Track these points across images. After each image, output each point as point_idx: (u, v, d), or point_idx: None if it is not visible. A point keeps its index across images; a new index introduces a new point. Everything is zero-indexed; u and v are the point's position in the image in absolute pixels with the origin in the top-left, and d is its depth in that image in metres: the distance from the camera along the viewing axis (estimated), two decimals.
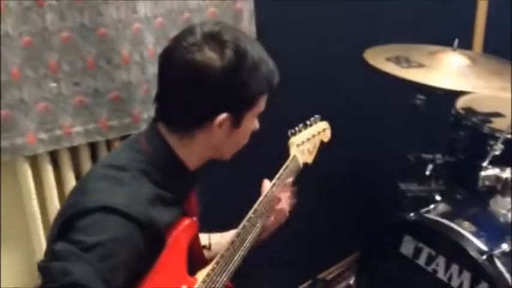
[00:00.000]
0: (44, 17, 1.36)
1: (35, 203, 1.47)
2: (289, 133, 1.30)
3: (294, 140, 1.30)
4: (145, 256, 0.98)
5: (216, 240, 1.25)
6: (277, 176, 1.23)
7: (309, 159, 1.35)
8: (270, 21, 1.82)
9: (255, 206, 1.17)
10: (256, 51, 1.04)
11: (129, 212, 0.94)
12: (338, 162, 2.10)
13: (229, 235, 1.22)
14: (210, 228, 1.29)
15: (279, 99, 1.89)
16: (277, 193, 1.22)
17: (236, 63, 0.99)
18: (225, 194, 1.74)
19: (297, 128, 1.31)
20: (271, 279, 2.05)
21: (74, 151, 1.52)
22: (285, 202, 1.25)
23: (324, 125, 1.41)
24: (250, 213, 1.16)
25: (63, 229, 0.95)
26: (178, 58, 1.01)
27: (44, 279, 0.92)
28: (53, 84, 1.41)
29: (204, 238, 1.25)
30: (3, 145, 1.37)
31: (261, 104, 1.08)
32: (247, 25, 1.75)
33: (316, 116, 1.38)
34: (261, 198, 1.18)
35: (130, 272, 0.95)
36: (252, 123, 1.10)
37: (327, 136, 1.42)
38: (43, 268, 0.93)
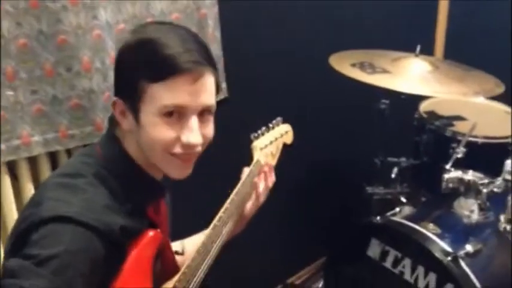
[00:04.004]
0: None
1: None
2: (252, 137, 1.27)
3: (257, 144, 1.27)
4: (105, 266, 0.94)
5: (188, 243, 1.24)
6: (241, 182, 1.21)
7: (273, 161, 1.33)
8: (235, 27, 1.81)
9: (220, 213, 1.15)
10: (154, 34, 0.97)
11: (84, 220, 0.90)
12: (304, 166, 2.11)
13: (199, 237, 1.20)
14: (178, 236, 1.27)
15: (244, 103, 1.91)
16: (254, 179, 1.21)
17: (127, 46, 0.98)
18: (188, 199, 1.71)
19: (259, 131, 1.29)
20: (241, 285, 2.04)
21: (33, 161, 1.47)
22: (263, 186, 1.23)
23: (286, 127, 1.39)
24: (215, 221, 1.13)
25: (17, 244, 0.91)
26: None
27: None
28: (10, 93, 1.36)
29: (176, 245, 1.23)
30: None
31: (154, 96, 0.95)
32: (212, 31, 1.73)
33: (278, 118, 1.36)
34: (226, 205, 1.16)
35: (90, 284, 0.91)
36: (153, 122, 0.96)
37: (290, 138, 1.40)
38: None
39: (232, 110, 1.83)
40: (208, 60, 0.99)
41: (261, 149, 1.28)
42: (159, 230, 1.05)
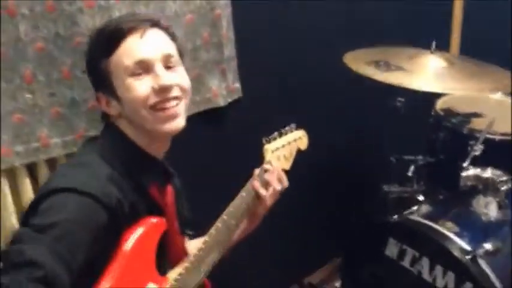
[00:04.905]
0: (17, 27, 1.33)
1: (13, 217, 1.43)
2: (264, 140, 1.31)
3: (269, 147, 1.31)
4: (108, 235, 0.98)
5: None
6: (251, 180, 1.25)
7: (286, 165, 1.35)
8: (249, 27, 1.81)
9: (228, 209, 1.19)
10: (102, 25, 1.11)
11: (86, 189, 0.96)
12: (320, 165, 2.10)
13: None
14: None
15: (258, 103, 1.91)
16: (265, 179, 1.24)
17: (86, 48, 1.12)
18: (201, 197, 1.73)
19: (271, 136, 1.33)
20: (257, 284, 2.04)
21: (51, 163, 1.48)
22: (272, 188, 1.25)
23: (300, 133, 1.42)
24: (222, 215, 1.18)
25: (26, 217, 0.97)
26: None
27: (3, 265, 0.92)
28: (28, 96, 1.38)
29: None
30: None
31: (117, 66, 1.05)
32: (226, 32, 1.74)
33: (292, 124, 1.39)
34: (235, 200, 1.21)
35: (92, 253, 0.95)
36: (126, 87, 1.05)
37: (304, 144, 1.42)
38: (2, 254, 0.93)
39: (246, 110, 1.83)
40: (156, 22, 1.08)
41: (273, 151, 1.31)
42: (163, 218, 1.09)
